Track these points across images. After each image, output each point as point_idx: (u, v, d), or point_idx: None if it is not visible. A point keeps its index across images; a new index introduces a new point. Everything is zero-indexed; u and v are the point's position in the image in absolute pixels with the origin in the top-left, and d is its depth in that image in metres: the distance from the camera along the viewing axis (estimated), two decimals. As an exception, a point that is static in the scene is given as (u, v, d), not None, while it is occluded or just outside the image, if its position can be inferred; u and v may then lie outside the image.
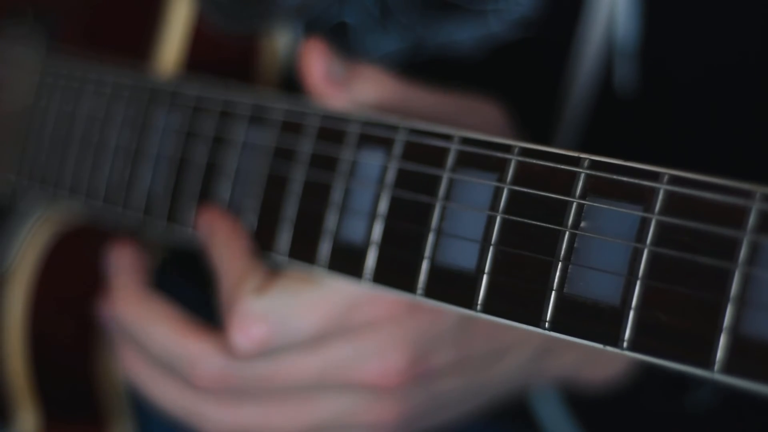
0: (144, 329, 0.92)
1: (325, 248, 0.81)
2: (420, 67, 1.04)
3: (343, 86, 0.85)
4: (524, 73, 1.03)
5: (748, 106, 0.96)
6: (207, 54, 1.06)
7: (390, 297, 0.82)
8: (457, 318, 0.84)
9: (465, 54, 1.02)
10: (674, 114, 0.99)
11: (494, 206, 0.71)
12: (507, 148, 0.71)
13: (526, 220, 0.69)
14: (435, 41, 1.03)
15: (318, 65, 0.85)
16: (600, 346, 0.65)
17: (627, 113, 0.99)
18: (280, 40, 1.09)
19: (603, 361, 0.96)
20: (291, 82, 1.08)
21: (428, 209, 0.74)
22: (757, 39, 0.96)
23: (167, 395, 0.92)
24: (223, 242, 0.87)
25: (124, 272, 0.97)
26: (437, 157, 0.75)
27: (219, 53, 1.07)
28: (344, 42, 1.06)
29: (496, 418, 1.12)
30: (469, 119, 0.86)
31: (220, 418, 0.90)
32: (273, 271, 0.85)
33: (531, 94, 1.02)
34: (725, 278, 0.59)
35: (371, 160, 0.79)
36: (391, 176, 0.77)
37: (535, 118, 0.99)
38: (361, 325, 0.83)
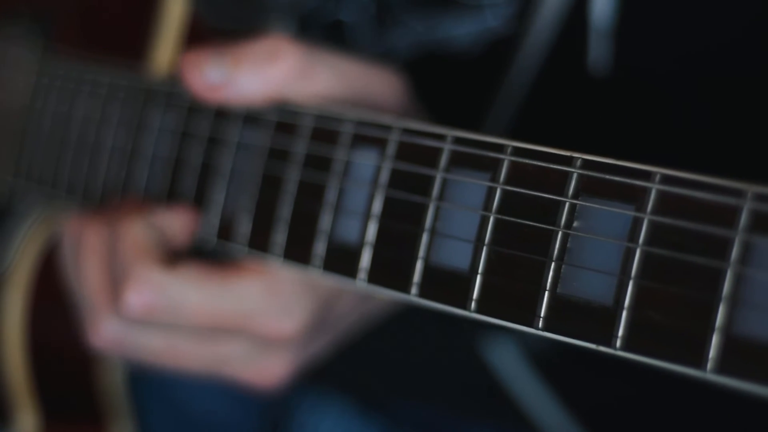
0: (78, 261, 0.95)
1: (319, 249, 0.81)
2: (418, 63, 1.04)
3: (227, 86, 0.87)
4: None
5: (725, 88, 0.96)
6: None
7: (293, 324, 0.88)
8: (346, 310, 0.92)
9: (462, 49, 1.02)
10: (648, 94, 0.99)
11: (487, 206, 0.71)
12: (500, 148, 0.71)
13: (519, 220, 0.69)
14: (432, 37, 1.03)
15: (193, 79, 0.88)
16: (593, 346, 0.65)
17: (599, 92, 0.99)
18: (275, 39, 1.08)
19: None
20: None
21: (422, 209, 0.74)
22: (736, 20, 0.96)
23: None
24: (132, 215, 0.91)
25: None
26: (430, 156, 0.74)
27: (214, 53, 1.06)
28: (341, 40, 1.06)
29: (496, 420, 1.12)
30: (370, 90, 0.88)
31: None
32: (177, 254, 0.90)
33: None
34: (717, 278, 0.59)
35: (365, 160, 0.79)
36: (384, 176, 0.77)
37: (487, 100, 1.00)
38: (258, 334, 0.89)
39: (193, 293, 0.88)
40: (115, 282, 0.90)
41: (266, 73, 0.86)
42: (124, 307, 0.88)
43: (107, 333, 0.92)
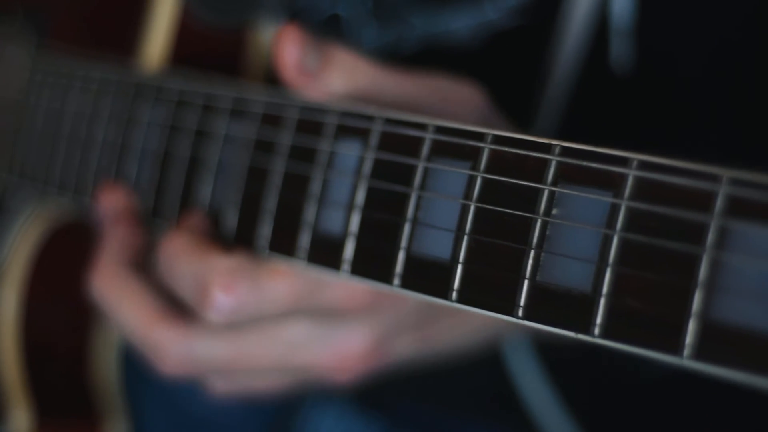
0: (115, 309, 0.92)
1: (304, 240, 0.80)
2: (415, 57, 1.03)
3: (316, 76, 0.84)
4: (521, 60, 1.02)
5: (746, 85, 0.95)
6: (193, 48, 1.06)
7: (361, 288, 0.84)
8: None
9: (461, 43, 1.02)
10: (670, 91, 0.98)
11: (468, 195, 0.70)
12: (480, 137, 0.70)
13: (499, 209, 0.68)
14: (430, 31, 1.03)
15: (290, 55, 0.84)
16: (572, 334, 0.64)
17: (622, 91, 0.98)
18: (266, 33, 1.08)
19: None
20: (278, 76, 1.08)
21: (404, 199, 0.74)
22: (755, 16, 0.95)
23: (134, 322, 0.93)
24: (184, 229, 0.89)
25: (113, 246, 0.95)
26: (413, 146, 0.74)
27: (205, 47, 1.07)
28: (337, 34, 1.06)
29: (492, 417, 1.12)
30: (449, 104, 0.86)
31: (177, 356, 0.91)
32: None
33: (528, 81, 1.01)
34: (694, 263, 0.59)
35: (348, 151, 0.78)
36: (367, 167, 0.77)
37: (530, 103, 0.99)
38: (328, 306, 0.85)
39: (272, 273, 0.84)
40: (193, 293, 0.86)
41: (344, 82, 0.85)
42: (216, 308, 0.84)
43: (175, 358, 0.89)
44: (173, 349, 0.89)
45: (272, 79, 1.06)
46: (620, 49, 0.97)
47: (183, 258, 0.86)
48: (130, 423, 1.18)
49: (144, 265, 0.94)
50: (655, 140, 0.96)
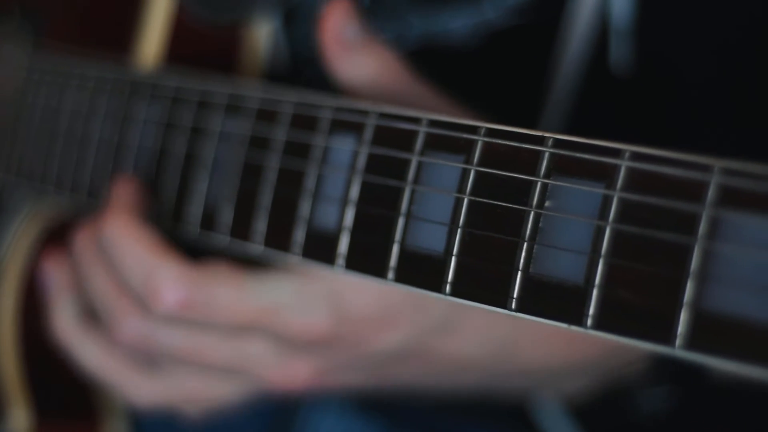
0: (85, 277, 0.94)
1: (299, 236, 0.80)
2: (412, 56, 1.03)
3: (350, 51, 0.86)
4: (519, 60, 1.03)
5: (747, 82, 0.95)
6: (188, 46, 1.06)
7: (317, 323, 0.87)
8: (390, 346, 0.90)
9: (459, 42, 1.02)
10: (671, 91, 0.98)
11: (461, 188, 0.70)
12: (473, 129, 0.70)
13: (492, 201, 0.68)
14: (428, 30, 1.03)
15: (334, 23, 0.86)
16: (564, 325, 0.64)
17: (622, 91, 0.98)
18: (261, 31, 1.08)
19: (565, 382, 0.99)
20: (273, 73, 1.08)
21: (398, 193, 0.74)
22: (754, 15, 0.95)
23: (92, 359, 0.98)
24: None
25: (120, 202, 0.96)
26: (406, 140, 0.74)
27: (200, 45, 1.07)
28: None
29: (496, 421, 1.12)
30: None
31: (146, 390, 0.97)
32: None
33: (526, 81, 1.01)
34: (685, 253, 0.59)
35: (343, 146, 0.78)
36: (362, 161, 0.77)
37: (529, 104, 0.99)
38: (285, 332, 0.88)
39: (226, 288, 0.87)
40: (144, 282, 0.89)
41: (375, 74, 0.87)
42: (160, 305, 0.87)
43: (132, 331, 0.91)
44: (132, 322, 0.91)
45: (267, 77, 1.06)
46: (620, 50, 0.97)
47: (136, 251, 0.89)
48: (129, 423, 1.18)
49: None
50: (656, 140, 0.96)
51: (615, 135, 0.84)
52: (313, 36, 0.89)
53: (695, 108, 0.98)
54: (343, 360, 0.91)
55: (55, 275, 1.00)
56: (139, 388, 0.95)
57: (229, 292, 0.87)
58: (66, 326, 0.99)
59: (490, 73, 1.03)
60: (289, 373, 0.91)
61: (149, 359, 0.94)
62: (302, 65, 1.07)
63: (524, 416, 1.06)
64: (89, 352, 0.97)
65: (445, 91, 0.89)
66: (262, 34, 1.08)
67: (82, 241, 0.94)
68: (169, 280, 0.87)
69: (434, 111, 0.84)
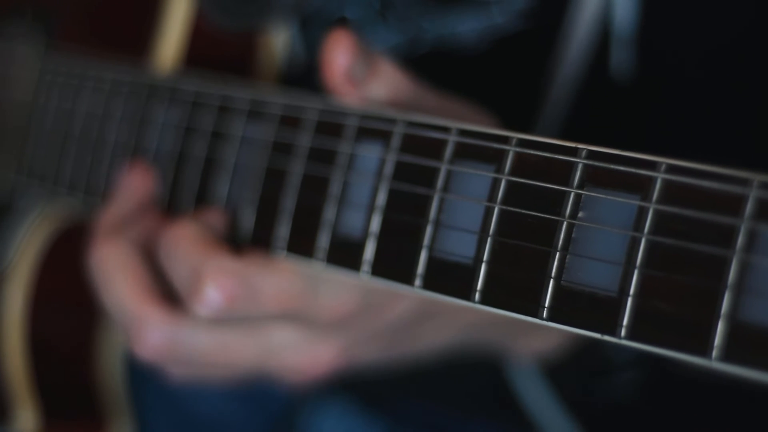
0: (106, 279, 0.92)
1: (323, 241, 0.81)
2: (421, 59, 1.04)
3: (360, 85, 0.84)
4: (524, 64, 1.03)
5: (747, 91, 0.96)
6: (205, 50, 1.06)
7: (345, 300, 0.86)
8: (402, 313, 0.89)
9: (467, 46, 1.02)
10: (671, 100, 0.99)
11: (492, 197, 0.71)
12: (504, 140, 0.71)
13: (523, 211, 0.69)
14: (437, 33, 1.03)
15: (341, 61, 0.84)
16: (598, 335, 0.65)
17: (623, 98, 0.99)
18: (278, 37, 1.09)
19: (537, 335, 0.99)
20: (291, 79, 1.08)
21: (426, 201, 0.74)
22: (756, 24, 0.96)
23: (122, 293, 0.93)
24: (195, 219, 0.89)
25: (130, 226, 0.95)
26: (435, 149, 0.75)
27: (217, 50, 1.07)
28: None
29: (493, 415, 1.12)
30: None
31: (154, 339, 0.92)
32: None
33: (529, 85, 1.02)
34: (723, 266, 0.59)
35: (369, 153, 0.79)
36: (389, 168, 0.77)
37: (529, 107, 1.00)
38: (313, 316, 0.87)
39: (269, 277, 0.85)
40: (187, 283, 0.87)
41: (386, 95, 0.85)
42: (205, 303, 0.85)
43: (156, 340, 0.89)
44: (157, 329, 0.89)
45: (283, 82, 1.07)
46: (621, 57, 0.97)
47: (185, 247, 0.87)
48: (135, 425, 1.18)
49: (148, 249, 0.94)
50: (657, 147, 0.97)
51: (614, 141, 0.85)
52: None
53: (695, 115, 0.99)
54: (364, 332, 0.90)
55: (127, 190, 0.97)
56: (153, 332, 0.90)
57: (272, 282, 0.85)
58: (110, 248, 0.94)
59: (498, 76, 1.04)
60: (316, 356, 0.90)
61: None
62: (318, 70, 1.07)
63: (500, 372, 1.07)
64: (120, 281, 0.93)
65: (454, 94, 0.89)
66: (279, 40, 1.09)
67: (117, 242, 0.92)
68: (212, 274, 0.84)
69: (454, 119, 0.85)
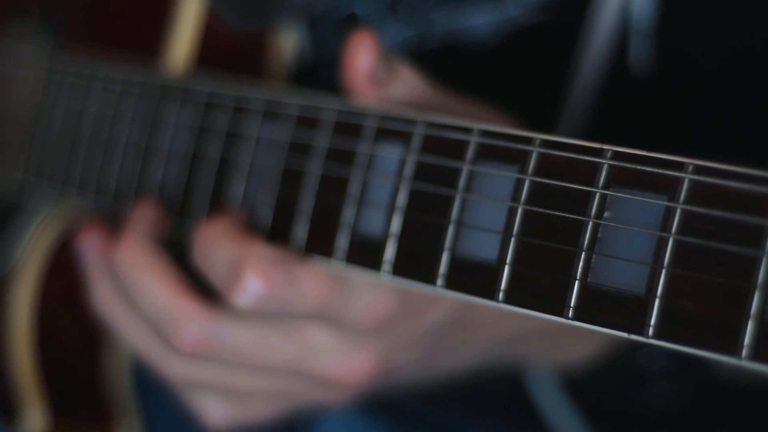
0: (138, 278, 0.91)
1: (342, 241, 0.81)
2: (432, 53, 1.04)
3: (381, 86, 0.84)
4: (541, 58, 1.03)
5: (765, 84, 0.96)
6: (217, 51, 1.07)
7: (385, 302, 0.85)
8: (440, 318, 0.88)
9: (481, 39, 1.02)
10: (690, 93, 0.99)
11: (516, 197, 0.71)
12: (528, 140, 0.71)
13: (548, 211, 0.69)
14: (449, 27, 1.03)
15: (364, 62, 0.84)
16: (625, 335, 0.65)
17: (641, 92, 0.99)
18: (287, 37, 1.09)
19: (571, 347, 0.99)
20: (300, 79, 1.08)
21: (448, 201, 0.75)
22: None
23: (140, 340, 0.93)
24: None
25: (140, 223, 0.94)
26: (457, 149, 0.75)
27: (229, 50, 1.07)
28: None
29: (501, 417, 1.12)
30: None
31: (185, 374, 0.92)
32: None
33: (547, 79, 1.02)
34: (752, 265, 0.60)
35: (389, 154, 0.79)
36: (409, 169, 0.78)
37: (549, 101, 1.00)
38: (350, 320, 0.86)
39: (306, 269, 0.84)
40: (226, 275, 0.85)
41: (402, 97, 0.85)
42: (247, 292, 0.83)
43: (195, 335, 0.88)
44: (195, 324, 0.88)
45: (294, 83, 1.07)
46: (640, 50, 0.98)
47: (222, 242, 0.86)
48: (142, 424, 1.18)
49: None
50: (676, 140, 0.97)
51: (636, 135, 0.86)
52: (338, 43, 0.89)
53: (714, 109, 0.99)
54: (402, 340, 0.88)
55: (93, 256, 0.97)
56: (192, 327, 0.89)
57: (308, 274, 0.84)
58: (108, 298, 0.95)
59: (512, 70, 1.04)
60: (355, 365, 0.88)
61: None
62: (327, 70, 1.07)
63: (519, 390, 1.07)
64: (151, 280, 0.92)
65: (464, 89, 0.89)
66: (289, 40, 1.09)
67: (127, 252, 0.92)
68: (253, 264, 0.83)
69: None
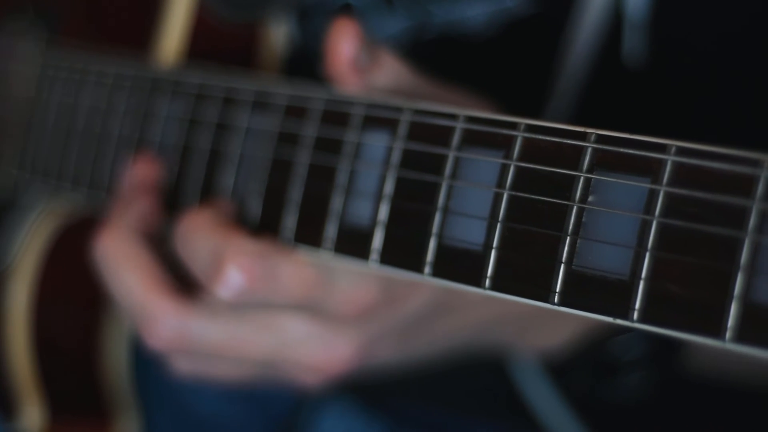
0: (115, 270, 0.91)
1: (331, 230, 0.81)
2: (428, 45, 1.03)
3: (364, 74, 0.84)
4: (535, 48, 1.03)
5: (758, 76, 0.96)
6: (208, 43, 1.06)
7: (365, 292, 0.85)
8: (420, 304, 0.88)
9: (476, 30, 1.02)
10: (683, 85, 0.99)
11: (501, 183, 0.71)
12: (513, 125, 0.71)
13: (533, 196, 0.69)
14: (445, 18, 1.03)
15: (346, 49, 0.84)
16: (610, 319, 0.65)
17: (634, 84, 0.99)
18: (278, 29, 1.09)
19: (547, 332, 0.98)
20: (291, 70, 1.08)
21: (435, 188, 0.74)
22: None
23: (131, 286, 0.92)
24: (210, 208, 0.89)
25: (128, 213, 0.94)
26: (443, 136, 0.75)
27: (220, 42, 1.07)
28: None
29: (495, 417, 1.12)
30: None
31: (165, 331, 0.91)
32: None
33: (541, 69, 1.01)
34: (735, 247, 0.59)
35: (376, 142, 0.79)
36: (396, 157, 0.77)
37: (542, 91, 0.99)
38: (330, 309, 0.86)
39: (288, 262, 0.84)
40: (206, 267, 0.85)
41: (386, 85, 0.85)
42: (227, 285, 0.83)
43: (167, 332, 0.88)
44: (168, 321, 0.88)
45: (285, 74, 1.07)
46: (633, 42, 0.97)
47: (204, 233, 0.86)
48: (141, 420, 1.18)
49: (154, 242, 0.93)
50: (668, 132, 0.97)
51: (624, 126, 0.85)
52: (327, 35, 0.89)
53: (707, 100, 0.99)
54: (381, 328, 0.88)
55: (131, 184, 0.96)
56: (165, 324, 0.89)
57: (290, 266, 0.84)
58: (116, 239, 0.93)
59: (507, 61, 1.03)
60: (335, 353, 0.88)
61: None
62: (317, 61, 1.07)
63: (501, 372, 1.07)
64: (127, 272, 0.92)
65: (460, 80, 0.89)
66: (279, 32, 1.09)
67: (122, 233, 0.92)
68: (233, 256, 0.83)
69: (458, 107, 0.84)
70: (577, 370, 1.01)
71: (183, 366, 0.93)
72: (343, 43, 0.84)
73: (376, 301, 0.86)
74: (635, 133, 0.66)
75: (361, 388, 1.17)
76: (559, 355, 1.00)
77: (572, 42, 0.99)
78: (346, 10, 1.06)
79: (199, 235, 0.86)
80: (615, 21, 0.98)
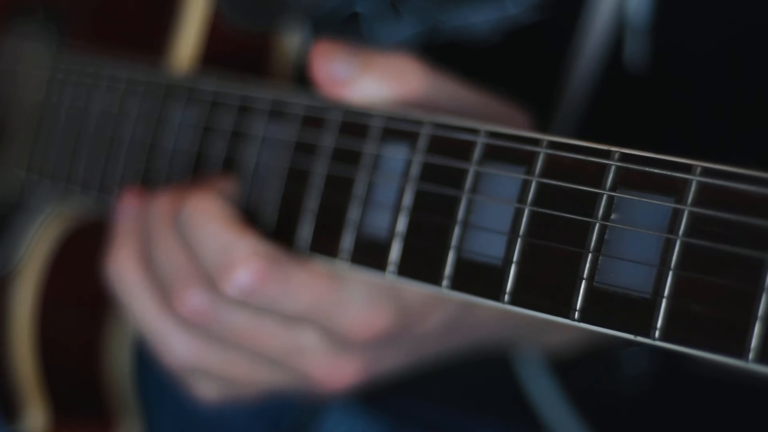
0: (130, 292, 0.92)
1: (347, 241, 0.81)
2: (434, 51, 1.04)
3: (348, 84, 0.85)
4: (539, 56, 1.03)
5: (761, 82, 0.96)
6: (222, 50, 1.07)
7: (379, 318, 0.85)
8: (434, 325, 0.88)
9: (481, 37, 1.02)
10: (685, 91, 0.99)
11: (522, 198, 0.71)
12: (535, 142, 0.71)
13: (555, 212, 0.69)
14: (450, 25, 1.03)
15: (319, 69, 0.85)
16: (631, 336, 0.65)
17: (637, 89, 0.99)
18: (292, 38, 1.09)
19: (555, 336, 1.00)
20: (303, 80, 1.09)
21: (454, 202, 0.75)
22: None
23: (143, 308, 0.93)
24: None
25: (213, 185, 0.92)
26: (463, 150, 0.75)
27: (233, 50, 1.07)
28: (357, 32, 1.06)
29: (497, 416, 1.12)
30: (496, 121, 0.86)
31: (181, 348, 0.92)
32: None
33: (545, 76, 1.02)
34: (759, 268, 0.60)
35: (395, 154, 0.79)
36: (415, 169, 0.77)
37: (547, 98, 1.00)
38: (339, 329, 0.86)
39: (300, 270, 0.84)
40: (216, 260, 0.85)
41: (391, 87, 0.85)
42: (235, 284, 0.83)
43: (194, 303, 0.87)
44: (199, 293, 0.87)
45: (298, 83, 1.07)
46: (635, 48, 0.98)
47: (215, 225, 0.86)
48: (143, 423, 1.18)
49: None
50: (672, 138, 0.97)
51: (631, 133, 0.86)
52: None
53: (710, 106, 0.99)
54: (391, 349, 0.89)
55: (127, 219, 0.95)
56: (179, 343, 0.91)
57: (302, 275, 0.84)
58: (123, 264, 0.93)
59: (511, 68, 1.04)
60: (337, 372, 0.89)
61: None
62: None
63: (506, 368, 1.07)
64: (139, 298, 0.92)
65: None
66: (293, 41, 1.09)
67: (160, 207, 0.90)
68: (244, 256, 0.83)
69: (466, 107, 0.85)
70: (581, 366, 1.01)
71: (203, 387, 0.94)
72: (316, 62, 0.86)
73: (390, 328, 0.86)
74: (642, 140, 0.66)
75: (363, 388, 1.17)
76: (567, 352, 1.01)
77: (579, 49, 0.99)
78: (353, 17, 1.07)
79: (211, 228, 0.85)
80: (618, 27, 0.98)
